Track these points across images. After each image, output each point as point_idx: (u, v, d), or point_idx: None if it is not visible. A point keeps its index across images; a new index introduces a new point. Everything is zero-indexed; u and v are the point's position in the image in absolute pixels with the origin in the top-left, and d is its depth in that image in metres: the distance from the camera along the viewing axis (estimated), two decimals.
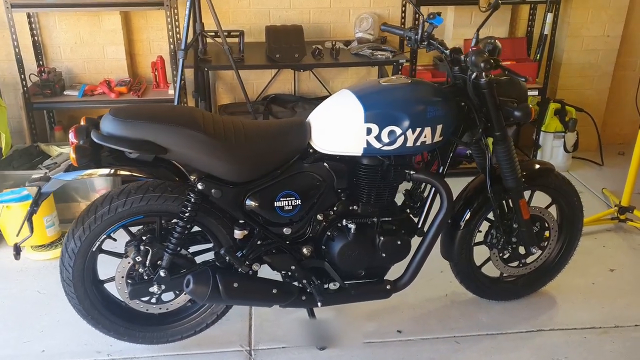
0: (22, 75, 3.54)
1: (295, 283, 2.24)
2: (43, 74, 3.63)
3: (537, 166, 2.47)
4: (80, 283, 2.13)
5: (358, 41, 3.85)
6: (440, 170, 2.29)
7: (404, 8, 3.89)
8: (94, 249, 2.09)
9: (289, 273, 2.20)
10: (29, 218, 2.02)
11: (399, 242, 2.23)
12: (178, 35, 3.65)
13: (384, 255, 2.24)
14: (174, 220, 2.08)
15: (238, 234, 2.08)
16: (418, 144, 2.06)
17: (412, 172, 2.19)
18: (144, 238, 2.10)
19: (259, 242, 2.12)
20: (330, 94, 4.00)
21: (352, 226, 2.16)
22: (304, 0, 3.89)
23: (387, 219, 2.22)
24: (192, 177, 2.00)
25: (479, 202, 2.39)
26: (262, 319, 2.53)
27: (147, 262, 2.08)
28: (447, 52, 2.13)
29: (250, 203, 2.06)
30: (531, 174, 2.42)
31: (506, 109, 2.14)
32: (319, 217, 2.18)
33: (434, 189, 2.28)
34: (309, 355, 2.34)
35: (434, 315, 2.60)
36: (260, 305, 2.30)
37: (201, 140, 1.93)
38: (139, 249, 2.07)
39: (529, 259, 2.57)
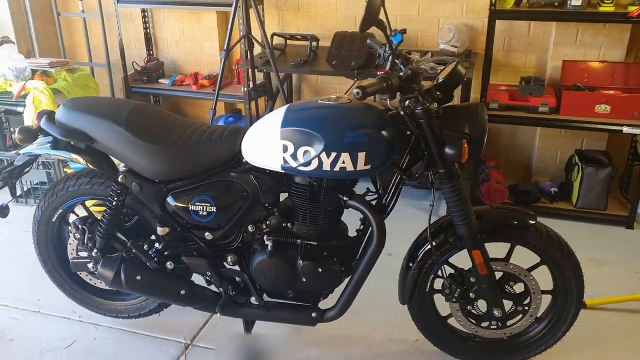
0: (124, 62, 4.03)
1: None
2: (147, 62, 4.09)
3: (510, 214, 2.08)
4: (44, 248, 2.42)
5: (441, 53, 3.59)
6: (385, 202, 2.07)
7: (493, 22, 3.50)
8: (53, 220, 2.35)
9: (207, 278, 2.20)
10: (9, 184, 2.35)
11: (319, 269, 2.08)
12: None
13: (304, 280, 2.11)
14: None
15: (159, 230, 2.15)
16: (336, 169, 1.89)
17: (345, 199, 2.03)
18: (88, 219, 2.30)
19: (175, 242, 2.17)
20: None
21: (269, 242, 2.08)
22: (392, 7, 3.74)
23: (312, 242, 2.09)
24: (120, 170, 2.12)
25: (440, 241, 2.10)
26: (222, 319, 2.56)
27: (85, 241, 2.26)
28: (406, 70, 1.88)
29: (170, 202, 2.11)
30: (498, 223, 2.05)
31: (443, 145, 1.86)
32: (250, 228, 2.15)
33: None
34: None
35: (389, 358, 2.37)
36: (168, 301, 2.33)
37: (122, 135, 2.04)
38: (77, 228, 2.26)
39: (509, 322, 2.19)
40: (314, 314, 2.17)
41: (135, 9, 4.14)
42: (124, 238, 2.26)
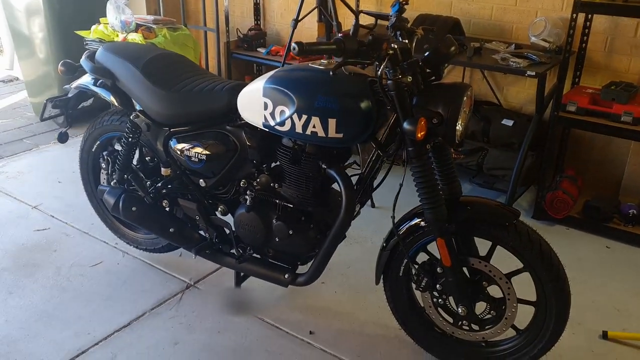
0: (227, 28, 4.30)
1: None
2: (250, 31, 4.33)
3: (489, 209, 1.90)
4: (86, 174, 2.74)
5: (531, 47, 3.32)
6: (364, 174, 2.03)
7: (589, 16, 3.15)
8: (93, 150, 2.64)
9: (195, 221, 2.33)
10: (65, 114, 2.68)
11: (290, 231, 2.10)
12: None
13: (277, 239, 2.15)
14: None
15: (163, 170, 2.32)
16: (308, 132, 1.90)
17: (324, 166, 2.02)
18: (114, 152, 2.54)
19: (174, 184, 2.32)
20: (499, 105, 3.60)
21: (249, 197, 2.15)
22: None
23: (289, 205, 2.11)
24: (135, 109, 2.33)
25: (412, 225, 2.01)
26: (230, 272, 2.68)
27: (109, 171, 2.52)
28: (369, 38, 1.82)
29: (172, 145, 2.27)
30: (472, 215, 1.89)
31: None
32: (242, 183, 2.23)
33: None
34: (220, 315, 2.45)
35: (365, 338, 2.31)
36: (157, 235, 2.47)
37: (137, 77, 2.23)
38: (104, 159, 2.52)
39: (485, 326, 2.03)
40: (286, 276, 2.20)
41: None
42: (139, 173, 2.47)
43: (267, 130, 2.00)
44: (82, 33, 3.79)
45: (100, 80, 2.40)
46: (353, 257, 2.83)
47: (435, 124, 1.77)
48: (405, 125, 1.72)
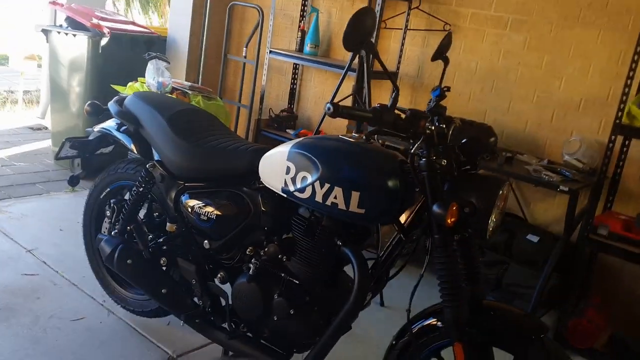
0: (261, 106, 4.33)
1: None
2: (282, 112, 4.35)
3: (514, 317, 1.71)
4: (88, 221, 2.63)
5: (564, 166, 3.22)
6: (381, 258, 1.87)
7: (627, 142, 3.08)
8: (101, 197, 2.53)
9: (191, 286, 2.15)
10: (81, 157, 2.61)
11: (291, 311, 1.91)
12: None
13: (275, 318, 1.95)
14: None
15: (168, 226, 2.19)
16: (328, 203, 1.77)
17: (339, 243, 1.87)
18: (122, 201, 2.42)
19: (177, 242, 2.17)
20: (524, 219, 3.47)
21: (252, 266, 1.98)
22: (526, 108, 3.51)
23: (295, 280, 1.94)
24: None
25: (427, 324, 1.81)
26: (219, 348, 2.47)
27: (112, 220, 2.39)
28: (408, 112, 1.73)
29: (183, 200, 2.14)
30: (495, 322, 1.70)
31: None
32: (249, 250, 2.07)
33: None
34: None
35: None
36: (149, 295, 2.27)
37: (160, 126, 2.17)
38: (110, 206, 2.40)
39: None
40: None
41: (288, 63, 4.46)
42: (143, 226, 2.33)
43: (285, 196, 1.88)
44: (117, 87, 3.81)
45: (124, 127, 2.33)
46: (355, 357, 2.59)
47: (467, 214, 1.63)
48: (435, 209, 1.59)
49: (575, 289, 3.12)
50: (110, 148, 2.69)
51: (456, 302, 1.67)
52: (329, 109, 1.56)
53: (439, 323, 1.78)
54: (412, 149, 1.67)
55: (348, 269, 1.93)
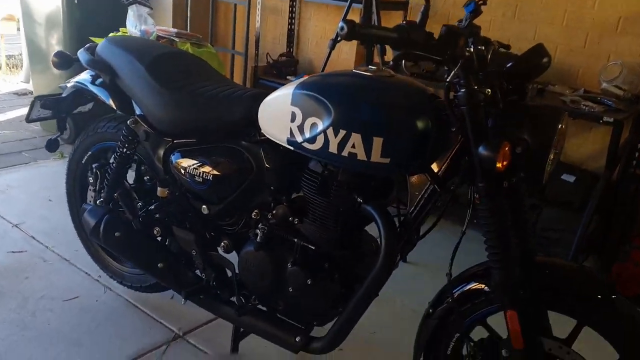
0: (257, 52, 3.96)
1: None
2: (280, 57, 3.98)
3: (578, 276, 1.42)
4: (72, 190, 2.33)
5: (602, 94, 2.88)
6: (410, 217, 1.56)
7: None
8: (83, 162, 2.22)
9: (191, 257, 1.87)
10: (57, 117, 2.28)
11: (308, 280, 1.63)
12: None
13: (290, 289, 1.67)
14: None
15: (159, 191, 1.88)
16: (344, 154, 1.45)
17: (360, 200, 1.57)
18: (106, 165, 2.12)
19: (170, 208, 1.88)
20: None
21: (259, 232, 1.69)
22: (554, 33, 3.13)
23: (311, 246, 1.65)
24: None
25: (469, 289, 1.53)
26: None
27: (97, 188, 2.09)
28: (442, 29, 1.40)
29: (174, 160, 1.83)
30: (555, 283, 1.41)
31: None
32: (254, 214, 1.77)
33: None
34: None
35: None
36: (144, 271, 2.01)
37: (139, 74, 1.84)
38: (92, 172, 2.09)
39: None
40: (297, 339, 1.71)
41: (284, 1, 4.07)
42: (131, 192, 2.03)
43: (292, 149, 1.56)
44: (96, 40, 3.44)
45: (100, 79, 2.01)
46: (380, 320, 2.33)
47: (519, 155, 1.32)
48: (482, 151, 1.27)
49: (617, 231, 2.83)
50: (89, 105, 2.37)
51: (508, 263, 1.38)
52: (342, 28, 1.23)
53: (485, 287, 1.50)
54: (447, 77, 1.34)
55: (371, 228, 1.64)
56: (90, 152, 2.18)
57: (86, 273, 2.48)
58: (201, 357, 2.04)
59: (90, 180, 2.11)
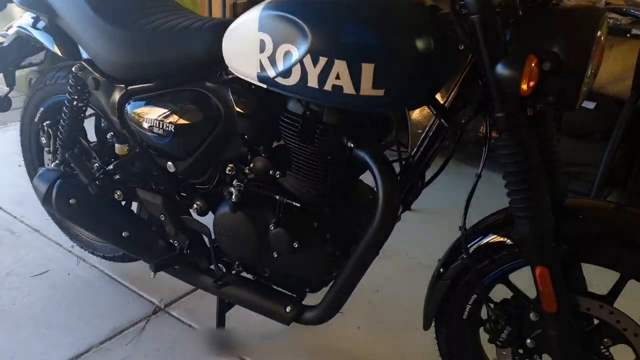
0: None
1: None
2: None
3: (611, 214, 1.18)
4: (28, 153, 2.08)
5: (627, 4, 2.54)
6: (411, 161, 1.29)
7: None
8: (35, 120, 1.95)
9: (160, 223, 1.61)
10: (4, 71, 2.00)
11: (295, 244, 1.37)
12: None
13: (275, 254, 1.43)
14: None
15: (117, 148, 1.61)
16: (327, 87, 1.17)
17: (351, 145, 1.29)
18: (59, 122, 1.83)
19: (131, 167, 1.61)
20: None
21: (235, 190, 1.42)
22: None
23: (296, 203, 1.38)
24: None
25: (487, 242, 1.27)
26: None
27: (50, 149, 1.81)
28: None
29: (129, 110, 1.55)
30: (591, 228, 1.16)
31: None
32: (229, 169, 1.50)
33: None
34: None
35: None
36: (108, 241, 1.77)
37: (81, 9, 1.53)
38: (44, 131, 1.82)
39: None
40: (287, 309, 1.47)
41: None
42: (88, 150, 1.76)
43: (264, 86, 1.28)
44: None
45: (42, 22, 1.71)
46: (383, 276, 2.09)
47: (546, 72, 1.03)
48: (501, 70, 0.99)
49: None
50: (41, 55, 2.07)
51: (538, 211, 1.11)
52: None
53: (506, 239, 1.24)
54: None
55: (367, 178, 1.37)
56: (42, 109, 1.90)
57: (58, 244, 2.24)
58: (185, 332, 1.82)
59: (43, 140, 1.84)
